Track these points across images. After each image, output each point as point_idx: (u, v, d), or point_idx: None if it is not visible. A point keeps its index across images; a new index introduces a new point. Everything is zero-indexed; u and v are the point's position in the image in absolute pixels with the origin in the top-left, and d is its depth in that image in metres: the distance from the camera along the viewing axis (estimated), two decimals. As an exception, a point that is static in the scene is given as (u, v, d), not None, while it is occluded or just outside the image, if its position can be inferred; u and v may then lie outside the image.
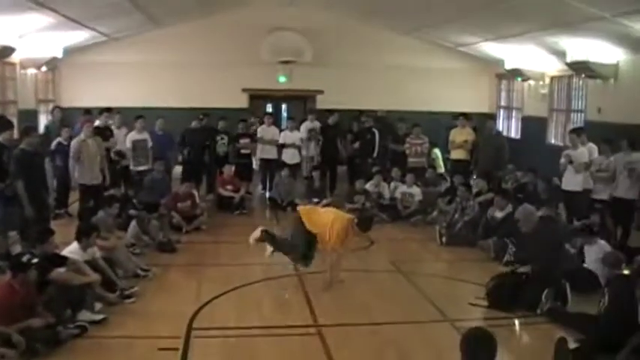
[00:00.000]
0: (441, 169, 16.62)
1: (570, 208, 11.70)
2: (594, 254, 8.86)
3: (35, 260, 6.71)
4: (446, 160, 16.60)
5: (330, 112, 16.63)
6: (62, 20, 13.99)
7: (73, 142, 11.95)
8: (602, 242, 9.17)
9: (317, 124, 16.07)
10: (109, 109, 14.52)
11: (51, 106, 18.05)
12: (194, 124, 15.40)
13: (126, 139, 14.12)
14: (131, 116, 14.76)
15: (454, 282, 9.60)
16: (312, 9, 19.24)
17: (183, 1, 16.50)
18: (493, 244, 10.84)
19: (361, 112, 17.42)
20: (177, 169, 15.72)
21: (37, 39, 15.30)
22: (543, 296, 7.83)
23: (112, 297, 8.13)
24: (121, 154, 14.03)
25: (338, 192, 15.83)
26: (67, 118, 15.06)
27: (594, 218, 10.52)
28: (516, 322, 7.79)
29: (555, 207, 11.77)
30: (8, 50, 13.82)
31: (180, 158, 15.43)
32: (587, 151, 11.95)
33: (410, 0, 14.90)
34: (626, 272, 7.43)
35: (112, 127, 14.39)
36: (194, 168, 15.05)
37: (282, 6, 18.94)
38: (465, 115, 15.55)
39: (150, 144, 14.09)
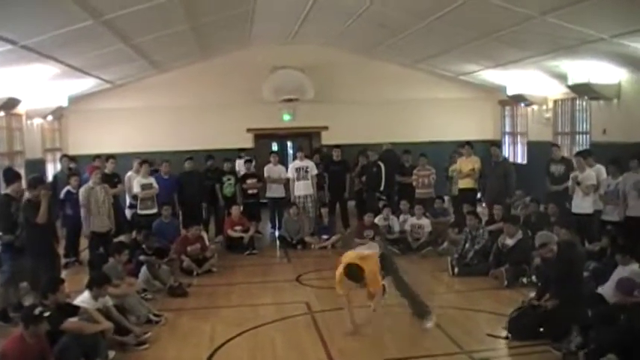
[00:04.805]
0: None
1: (582, 231, 11.60)
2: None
3: (47, 313, 6.67)
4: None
5: (337, 147, 16.62)
6: (67, 70, 14.14)
7: (81, 190, 12.01)
8: (636, 266, 8.63)
9: (309, 163, 15.60)
10: (113, 156, 14.57)
11: (58, 154, 18.20)
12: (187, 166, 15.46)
13: (133, 183, 14.19)
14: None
15: (468, 312, 9.50)
16: (312, 46, 19.40)
17: (184, 46, 16.67)
18: (505, 272, 10.77)
19: (363, 145, 17.47)
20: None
21: (43, 89, 15.46)
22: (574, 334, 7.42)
23: (127, 339, 8.14)
24: (137, 199, 14.09)
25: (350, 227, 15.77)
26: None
27: (605, 240, 10.46)
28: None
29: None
30: (14, 102, 13.94)
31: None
32: (594, 173, 11.92)
33: (409, 33, 14.97)
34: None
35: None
36: (193, 211, 15.03)
37: (282, 45, 19.10)
38: (469, 143, 15.55)
39: (156, 188, 14.11)
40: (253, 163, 16.45)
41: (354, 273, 8.48)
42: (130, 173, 14.64)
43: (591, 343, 6.88)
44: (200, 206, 15.33)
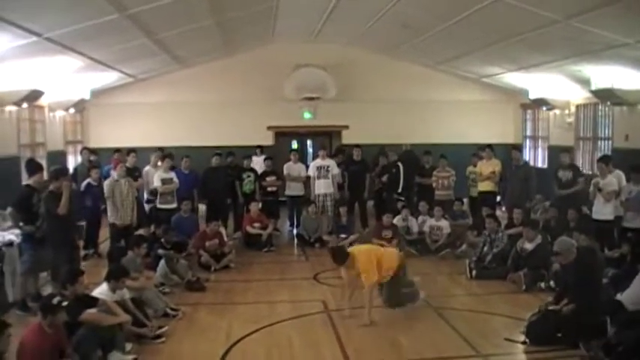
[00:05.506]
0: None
1: (601, 238, 11.51)
2: None
3: (65, 303, 6.71)
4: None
5: (358, 146, 16.58)
6: (90, 63, 14.22)
7: (106, 183, 12.11)
8: None
9: (331, 162, 15.61)
10: (134, 150, 14.75)
11: (79, 147, 18.34)
12: (214, 161, 15.53)
13: (154, 178, 14.24)
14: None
15: (485, 316, 9.45)
16: (335, 45, 19.38)
17: (207, 42, 16.73)
18: (524, 277, 10.71)
19: (383, 145, 17.42)
20: (203, 208, 15.77)
21: (65, 82, 15.56)
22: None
23: (144, 330, 8.20)
24: (155, 194, 14.15)
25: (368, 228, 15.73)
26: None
27: (625, 247, 10.36)
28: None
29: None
30: (37, 94, 14.04)
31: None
32: (615, 179, 11.83)
33: (432, 34, 14.92)
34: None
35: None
36: (218, 206, 15.10)
37: (305, 43, 19.11)
38: (490, 146, 15.45)
39: (176, 182, 14.14)
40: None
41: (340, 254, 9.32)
42: (147, 168, 14.72)
43: (618, 346, 6.84)
44: (225, 201, 15.40)
